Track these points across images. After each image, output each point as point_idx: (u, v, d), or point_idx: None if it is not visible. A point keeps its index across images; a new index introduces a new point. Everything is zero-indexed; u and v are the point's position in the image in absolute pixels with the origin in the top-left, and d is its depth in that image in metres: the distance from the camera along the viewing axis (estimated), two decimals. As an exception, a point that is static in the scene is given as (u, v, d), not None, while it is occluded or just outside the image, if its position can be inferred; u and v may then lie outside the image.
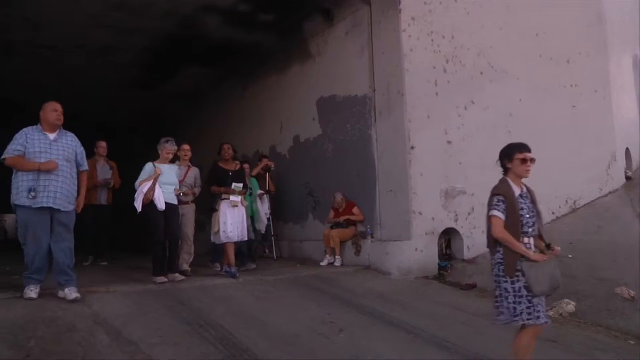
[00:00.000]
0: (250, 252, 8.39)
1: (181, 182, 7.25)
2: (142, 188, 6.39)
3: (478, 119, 8.29)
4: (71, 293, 5.31)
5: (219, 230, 7.15)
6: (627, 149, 11.66)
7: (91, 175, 7.49)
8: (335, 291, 6.62)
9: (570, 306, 6.09)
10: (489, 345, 4.72)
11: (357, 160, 8.58)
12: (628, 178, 11.33)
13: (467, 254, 7.92)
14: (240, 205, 7.28)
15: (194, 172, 7.73)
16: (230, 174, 7.37)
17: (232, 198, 7.19)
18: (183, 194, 7.16)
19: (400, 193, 7.73)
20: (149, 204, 6.36)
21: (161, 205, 6.38)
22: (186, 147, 7.86)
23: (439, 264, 7.72)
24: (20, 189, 5.22)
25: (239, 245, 7.52)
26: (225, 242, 7.15)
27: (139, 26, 9.44)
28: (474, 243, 7.95)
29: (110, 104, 14.01)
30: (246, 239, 7.49)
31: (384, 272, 7.67)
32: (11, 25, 9.14)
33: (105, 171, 8.94)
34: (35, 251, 5.24)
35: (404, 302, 6.17)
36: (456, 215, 7.93)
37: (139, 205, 6.35)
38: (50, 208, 5.25)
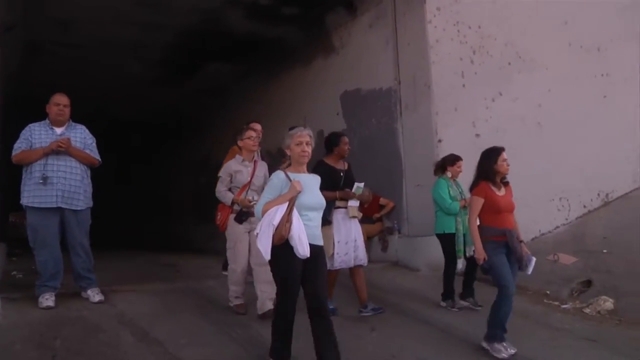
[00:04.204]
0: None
1: (247, 185, 5.26)
2: (271, 217, 3.72)
3: (506, 111, 8.05)
4: (94, 295, 5.22)
5: (333, 253, 5.19)
6: (661, 140, 11.28)
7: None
8: (363, 288, 6.48)
9: (608, 303, 5.87)
10: (525, 344, 4.56)
11: (383, 155, 8.42)
12: (662, 169, 10.97)
13: (497, 249, 7.71)
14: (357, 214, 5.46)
15: (263, 168, 5.51)
16: (342, 174, 5.47)
17: (351, 203, 5.38)
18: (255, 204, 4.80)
19: (428, 187, 7.52)
20: (281, 245, 3.69)
21: (303, 250, 3.67)
22: (257, 127, 5.92)
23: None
24: (27, 186, 4.99)
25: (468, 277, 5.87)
26: (339, 267, 5.28)
27: (162, 22, 9.42)
28: (503, 237, 7.75)
29: (135, 101, 14.05)
30: (363, 262, 5.47)
31: (412, 268, 7.52)
32: (38, 25, 9.16)
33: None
34: (46, 257, 4.99)
35: (435, 299, 6.02)
36: (485, 209, 7.73)
37: (265, 247, 3.71)
38: (60, 208, 5.00)
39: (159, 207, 17.68)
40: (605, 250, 7.07)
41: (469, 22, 7.98)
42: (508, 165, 4.75)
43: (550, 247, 7.44)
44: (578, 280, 6.51)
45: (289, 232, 3.65)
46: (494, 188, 4.70)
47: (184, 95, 13.78)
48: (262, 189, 5.00)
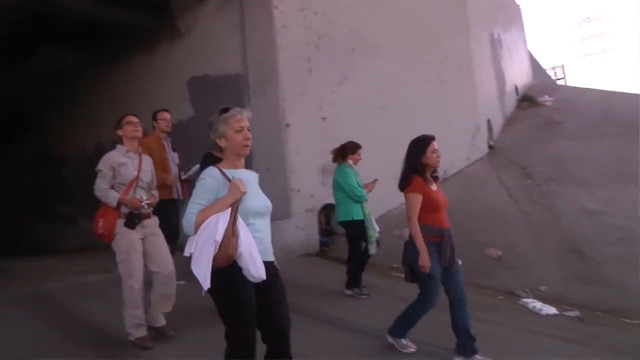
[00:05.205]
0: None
1: (135, 180, 4.36)
2: (211, 231, 2.79)
3: (351, 95, 8.35)
4: None
5: None
6: (488, 120, 12.43)
7: (161, 162, 5.77)
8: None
9: (446, 272, 6.36)
10: (375, 317, 4.79)
11: (232, 140, 8.32)
12: (490, 147, 12.13)
13: (347, 228, 8.02)
14: None
15: (148, 162, 4.63)
16: None
17: None
18: (147, 204, 4.33)
19: (278, 171, 7.62)
20: (226, 267, 2.79)
21: (257, 271, 2.82)
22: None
23: (320, 240, 7.76)
24: None
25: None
26: None
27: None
28: (352, 217, 8.07)
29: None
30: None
31: (266, 252, 7.56)
32: None
33: (173, 156, 6.35)
34: None
35: (289, 282, 5.96)
36: (335, 190, 7.99)
37: (204, 272, 2.75)
38: None
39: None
40: (447, 223, 7.62)
41: (314, 8, 8.12)
42: (439, 156, 4.17)
43: (397, 222, 7.87)
44: (421, 253, 6.95)
45: (236, 249, 2.75)
46: (426, 183, 4.17)
47: (19, 83, 12.50)
48: (150, 186, 4.54)
